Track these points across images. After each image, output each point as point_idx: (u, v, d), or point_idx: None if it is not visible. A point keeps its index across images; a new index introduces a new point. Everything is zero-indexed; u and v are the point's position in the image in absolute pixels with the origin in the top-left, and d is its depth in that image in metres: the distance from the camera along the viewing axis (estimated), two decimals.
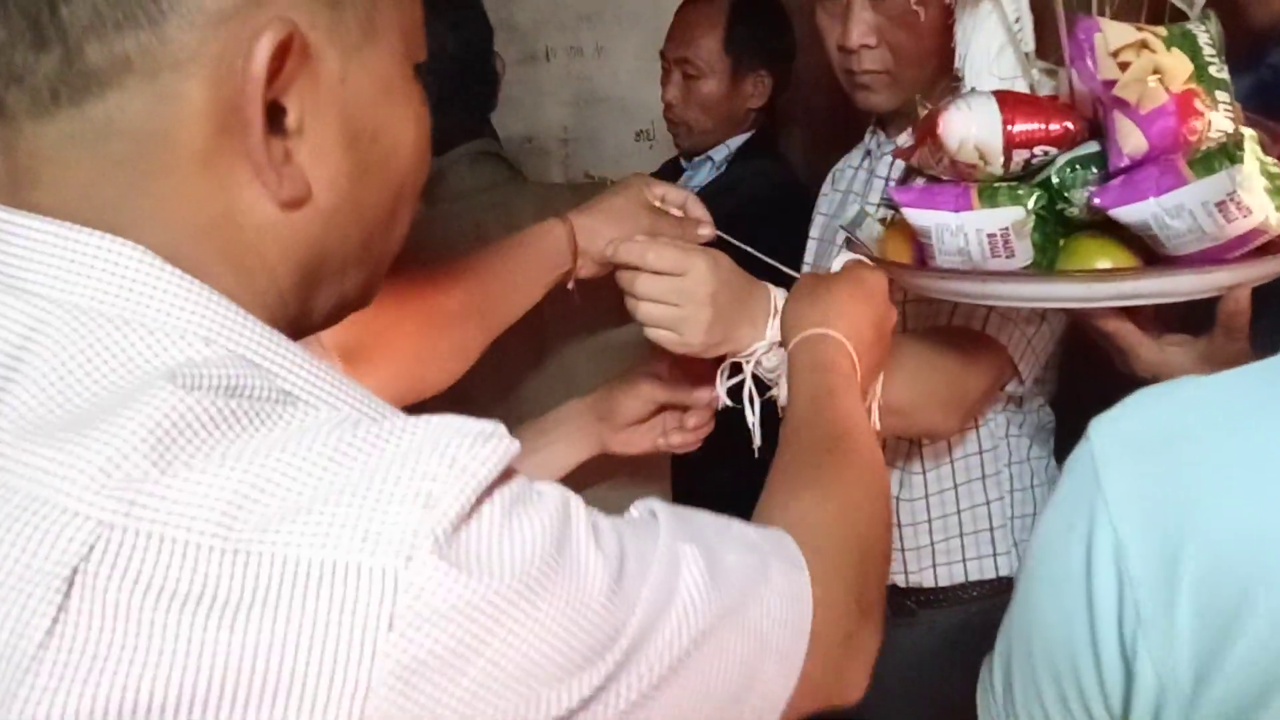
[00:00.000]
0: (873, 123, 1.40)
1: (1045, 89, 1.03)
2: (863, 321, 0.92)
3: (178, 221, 0.49)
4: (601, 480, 1.31)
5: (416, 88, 0.58)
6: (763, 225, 1.68)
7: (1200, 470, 0.56)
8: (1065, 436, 1.41)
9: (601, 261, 1.06)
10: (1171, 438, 0.58)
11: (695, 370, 1.11)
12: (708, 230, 1.11)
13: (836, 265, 0.99)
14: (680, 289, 0.97)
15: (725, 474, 1.85)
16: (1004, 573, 1.33)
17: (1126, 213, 0.86)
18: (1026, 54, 1.04)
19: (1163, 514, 0.55)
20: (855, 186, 1.41)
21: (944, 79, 1.16)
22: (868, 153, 1.42)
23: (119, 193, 0.48)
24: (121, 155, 0.48)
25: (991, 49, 1.04)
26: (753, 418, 1.03)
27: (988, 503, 1.32)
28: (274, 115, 0.50)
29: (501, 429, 0.47)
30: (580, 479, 1.12)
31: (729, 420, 1.09)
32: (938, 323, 1.21)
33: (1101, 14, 0.96)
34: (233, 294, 0.50)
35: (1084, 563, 0.59)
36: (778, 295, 1.01)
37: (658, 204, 1.12)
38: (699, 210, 1.13)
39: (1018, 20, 1.04)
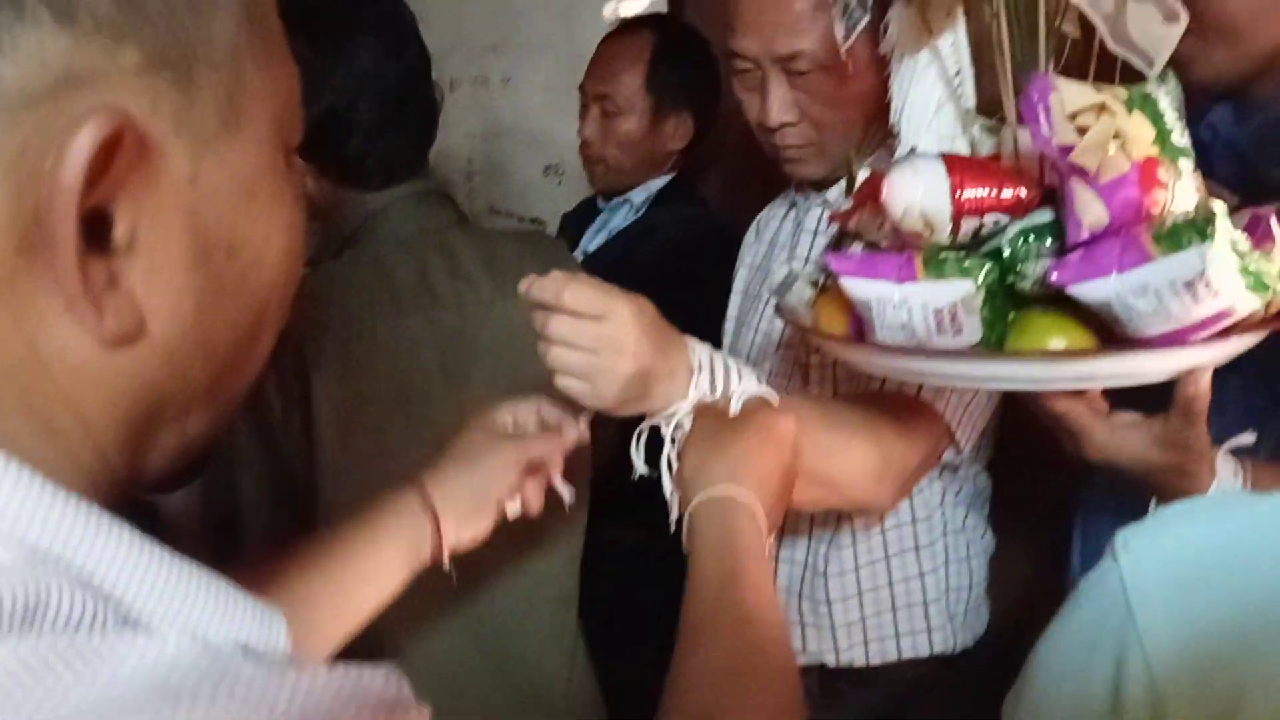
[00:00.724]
0: (795, 182, 1.34)
1: (986, 148, 0.96)
2: (771, 478, 0.85)
3: None
4: (512, 551, 1.22)
5: (290, 180, 0.46)
6: (685, 275, 1.61)
7: (1261, 610, 0.48)
8: (1001, 502, 1.36)
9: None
10: (1223, 567, 0.50)
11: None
12: (572, 432, 1.00)
13: (737, 404, 0.90)
14: (598, 335, 0.87)
15: (635, 539, 1.79)
16: (938, 650, 1.27)
17: (1086, 290, 0.79)
18: (967, 110, 0.97)
19: (1214, 663, 0.47)
20: (781, 238, 1.35)
21: (878, 135, 1.09)
22: (793, 204, 1.35)
23: None
24: None
25: (930, 104, 0.97)
26: (670, 486, 0.93)
27: (921, 575, 1.26)
28: (96, 228, 0.38)
29: (408, 699, 0.36)
30: (485, 553, 1.01)
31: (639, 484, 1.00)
32: (870, 386, 1.14)
33: (1048, 69, 0.90)
34: (38, 459, 0.37)
35: (1109, 693, 0.51)
36: (701, 351, 0.92)
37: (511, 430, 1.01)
38: (554, 414, 1.01)
39: (958, 74, 0.97)
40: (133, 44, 0.38)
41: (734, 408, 0.90)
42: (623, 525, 1.83)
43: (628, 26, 1.95)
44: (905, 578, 1.26)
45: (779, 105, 1.20)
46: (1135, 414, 0.92)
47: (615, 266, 1.69)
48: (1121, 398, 0.93)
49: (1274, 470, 0.93)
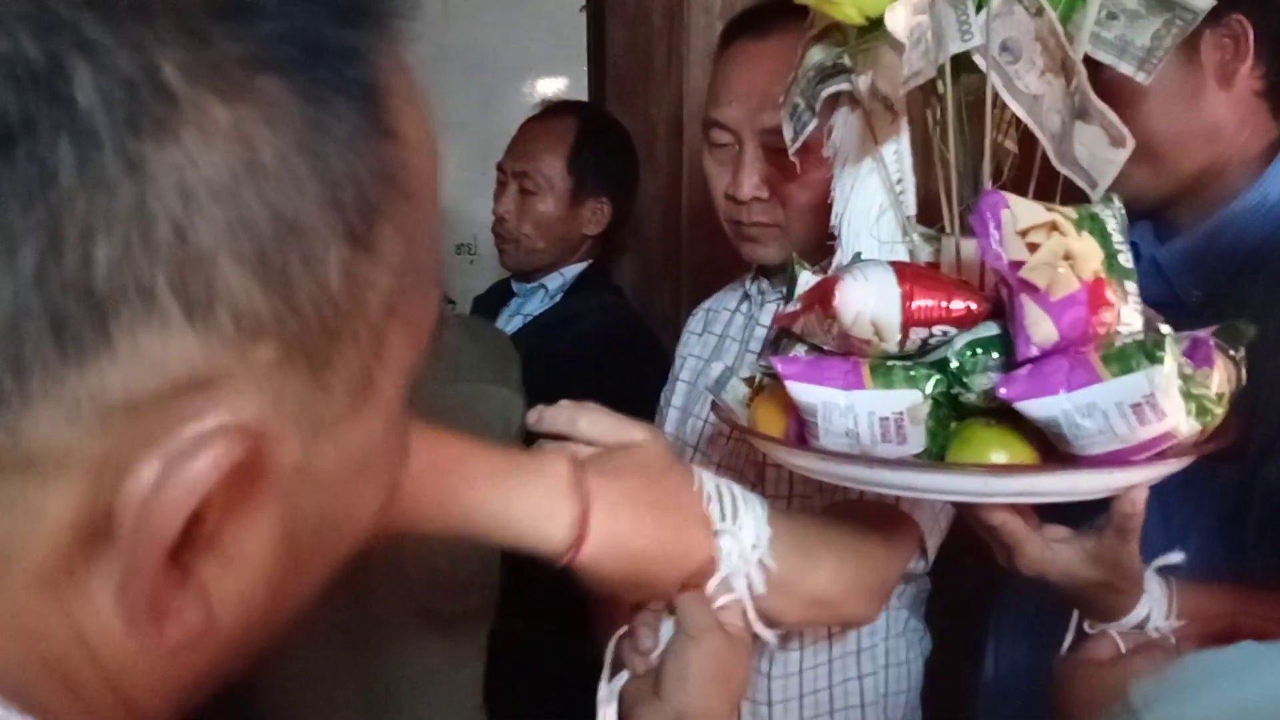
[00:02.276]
0: (754, 269, 1.33)
1: (924, 255, 0.97)
2: (721, 710, 0.81)
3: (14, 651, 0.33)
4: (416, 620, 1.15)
5: (406, 422, 0.40)
6: (605, 364, 1.59)
7: None
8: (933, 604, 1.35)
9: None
10: None
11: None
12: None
13: (683, 625, 0.84)
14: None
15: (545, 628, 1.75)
16: None
17: (1034, 407, 0.78)
18: (908, 217, 0.97)
19: None
20: (733, 331, 1.34)
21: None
22: (746, 296, 1.35)
23: None
24: None
25: (872, 210, 0.97)
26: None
27: (860, 678, 1.24)
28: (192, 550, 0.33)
29: None
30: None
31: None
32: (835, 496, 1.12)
33: (992, 183, 0.91)
34: None
35: None
36: (708, 480, 0.87)
37: None
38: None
39: (899, 181, 0.98)
40: (272, 340, 0.32)
41: (664, 632, 0.86)
42: (532, 613, 1.79)
43: (553, 109, 1.97)
44: (845, 680, 1.24)
45: (754, 179, 1.19)
46: (1065, 529, 0.92)
47: (532, 354, 1.66)
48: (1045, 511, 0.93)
49: (1196, 590, 0.93)
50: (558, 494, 0.77)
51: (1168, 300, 1.10)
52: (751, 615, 0.87)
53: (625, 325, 1.80)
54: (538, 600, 1.74)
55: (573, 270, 1.90)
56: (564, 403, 0.85)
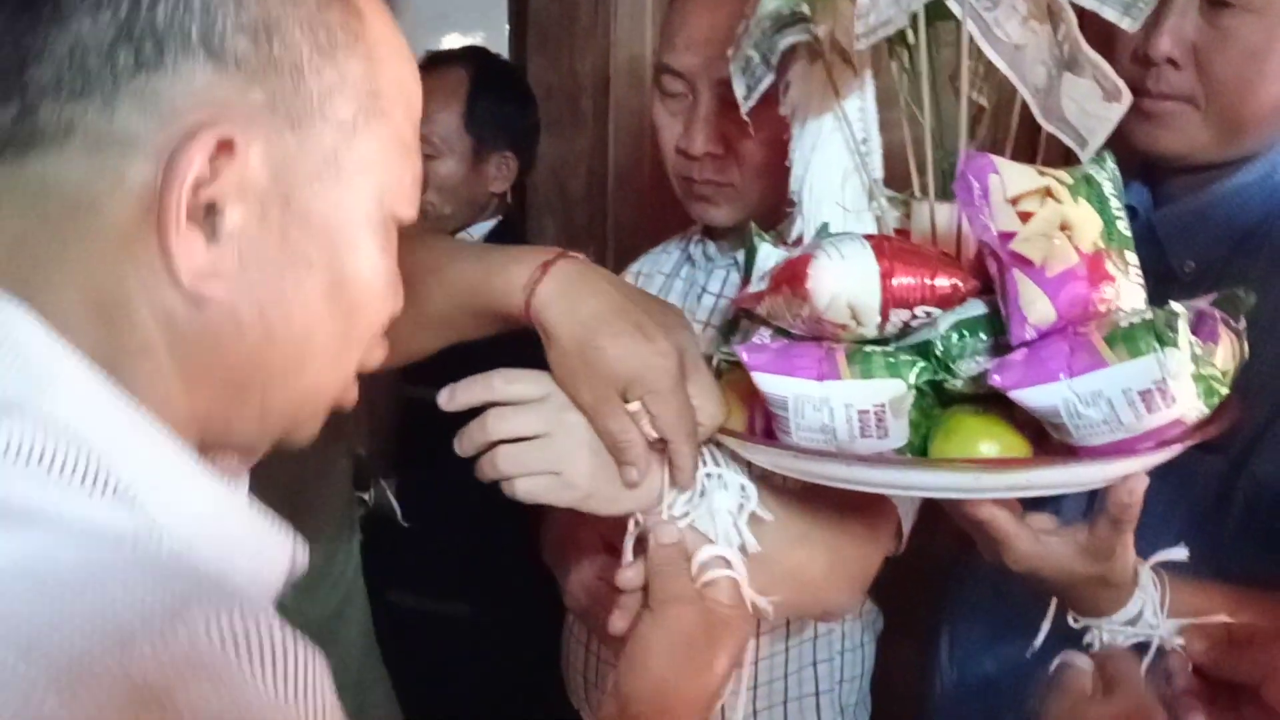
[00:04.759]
0: (699, 229, 1.23)
1: (892, 222, 0.88)
2: (687, 694, 0.76)
3: (83, 290, 0.50)
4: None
5: (388, 240, 0.59)
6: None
7: None
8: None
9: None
10: None
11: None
12: None
13: (697, 567, 0.80)
14: (547, 417, 0.79)
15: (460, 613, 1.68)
16: None
17: (1032, 396, 0.71)
18: (874, 181, 0.88)
19: None
20: (673, 298, 1.24)
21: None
22: (689, 259, 1.25)
23: (40, 252, 0.50)
24: (49, 215, 0.50)
25: (835, 174, 0.88)
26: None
27: (815, 664, 1.20)
28: (209, 215, 0.51)
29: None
30: None
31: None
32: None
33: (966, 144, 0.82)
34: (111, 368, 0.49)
35: None
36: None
37: None
38: None
39: (865, 141, 0.88)
40: (259, 89, 0.51)
41: (695, 567, 0.80)
42: (448, 598, 1.72)
43: (438, 62, 1.82)
44: (800, 668, 1.19)
45: (706, 133, 1.09)
46: (1051, 519, 0.85)
47: None
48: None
49: (1193, 588, 0.87)
50: (527, 255, 0.82)
51: (1159, 270, 1.04)
52: (742, 578, 0.82)
53: None
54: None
55: (481, 229, 1.79)
56: (472, 377, 0.80)
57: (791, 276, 0.74)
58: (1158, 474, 1.00)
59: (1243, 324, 0.79)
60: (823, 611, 1.07)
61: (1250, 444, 0.98)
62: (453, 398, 0.81)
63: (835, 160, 0.89)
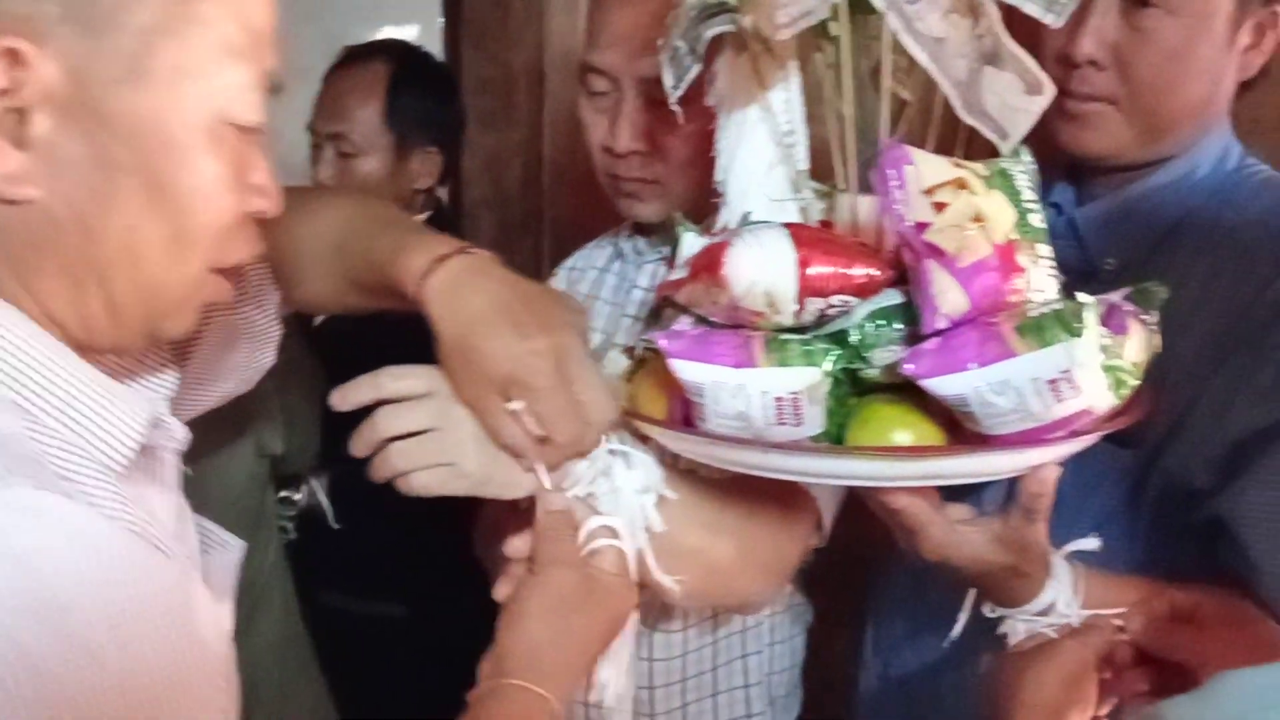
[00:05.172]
0: (629, 225, 1.23)
1: (816, 213, 0.89)
2: (560, 656, 0.76)
3: None
4: None
5: (217, 145, 0.61)
6: None
7: None
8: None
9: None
10: None
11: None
12: None
13: (585, 537, 0.81)
14: (434, 409, 0.80)
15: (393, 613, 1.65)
16: None
17: (943, 384, 0.71)
18: (799, 172, 0.89)
19: None
20: (604, 293, 1.23)
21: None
22: (619, 254, 1.24)
23: None
24: None
25: (760, 164, 0.88)
26: None
27: (744, 657, 1.19)
28: (18, 123, 0.55)
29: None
30: None
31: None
32: None
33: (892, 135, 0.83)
34: None
35: None
36: None
37: None
38: None
39: (790, 133, 0.89)
40: (54, 3, 0.55)
41: (582, 535, 0.80)
42: (382, 599, 1.69)
43: (357, 55, 1.75)
44: (729, 660, 1.18)
45: (631, 130, 1.09)
46: (967, 509, 0.86)
47: (373, 321, 1.55)
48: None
49: (1105, 579, 0.88)
50: (430, 245, 0.83)
51: (1082, 267, 1.05)
52: (651, 560, 0.83)
53: None
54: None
55: None
56: (359, 378, 0.82)
57: (709, 264, 0.75)
58: (1074, 467, 1.02)
59: (1155, 317, 0.81)
60: (738, 601, 1.07)
61: (1163, 438, 0.99)
62: (344, 398, 0.81)
63: (760, 151, 0.89)
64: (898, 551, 0.94)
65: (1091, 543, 0.87)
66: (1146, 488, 1.01)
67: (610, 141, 1.13)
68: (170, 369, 0.74)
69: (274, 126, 1.98)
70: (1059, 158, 1.12)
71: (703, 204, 0.99)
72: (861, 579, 1.27)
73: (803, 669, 1.28)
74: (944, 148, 0.82)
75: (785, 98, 0.89)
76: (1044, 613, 0.87)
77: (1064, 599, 0.88)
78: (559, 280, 1.34)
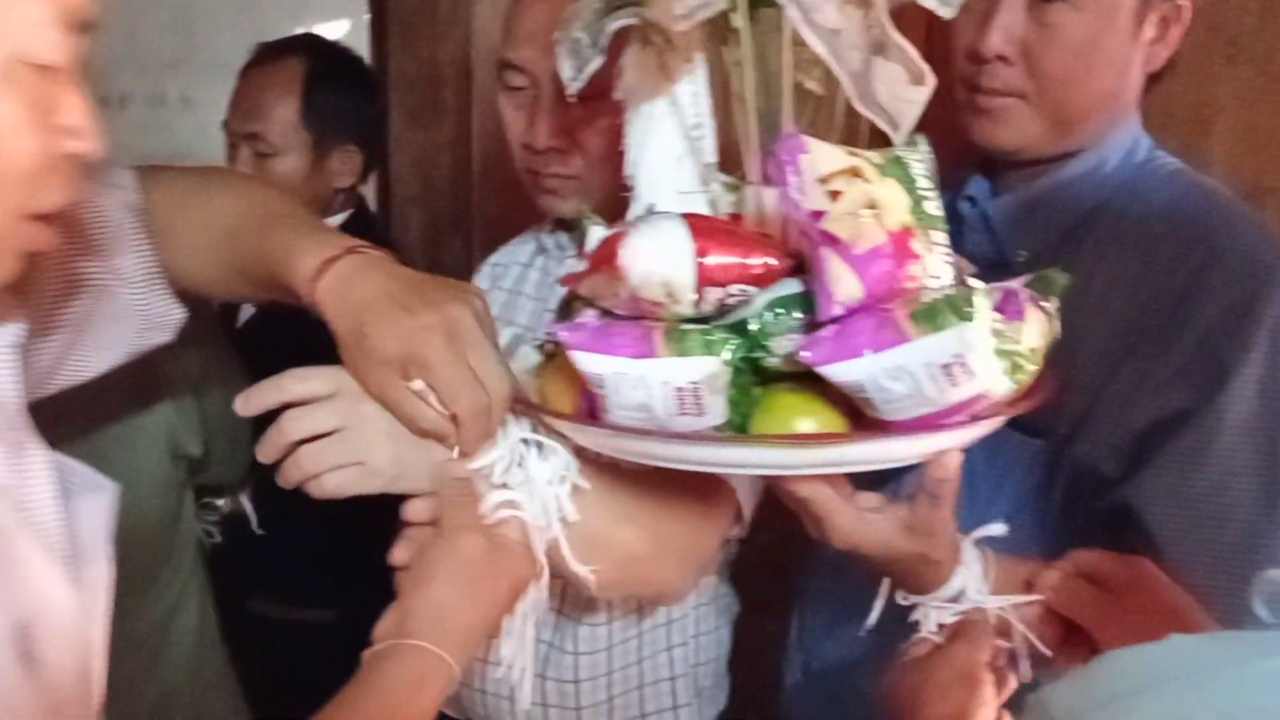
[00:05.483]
0: (551, 220, 1.23)
1: (725, 206, 0.89)
2: (463, 618, 0.76)
3: None
4: None
5: (15, 87, 0.59)
6: None
7: None
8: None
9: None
10: None
11: None
12: None
13: (489, 508, 0.80)
14: (340, 410, 0.80)
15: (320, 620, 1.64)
16: None
17: (839, 371, 0.72)
18: (707, 165, 0.89)
19: None
20: (527, 289, 1.24)
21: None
22: (542, 250, 1.24)
23: None
24: None
25: (668, 157, 0.88)
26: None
27: (670, 649, 1.20)
28: None
29: None
30: None
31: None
32: None
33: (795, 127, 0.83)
34: None
35: None
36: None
37: None
38: None
39: (698, 126, 0.89)
40: None
41: (486, 508, 0.80)
42: (312, 605, 1.68)
43: (271, 52, 1.72)
44: (655, 653, 1.18)
45: (549, 127, 1.09)
46: (879, 497, 0.87)
47: (294, 320, 1.53)
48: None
49: (1016, 565, 0.89)
50: (323, 245, 0.82)
51: (994, 259, 1.07)
52: (566, 549, 0.83)
53: None
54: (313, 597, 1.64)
55: (330, 225, 1.71)
56: (261, 382, 0.81)
57: (606, 255, 0.74)
58: (987, 457, 1.03)
59: (1054, 304, 0.82)
60: (656, 591, 1.07)
61: (1073, 427, 1.01)
62: (248, 403, 0.81)
63: (668, 144, 0.89)
64: (819, 542, 0.94)
65: (998, 528, 0.88)
66: (1057, 476, 1.02)
67: (529, 138, 1.13)
68: (15, 319, 0.73)
69: (202, 127, 1.96)
70: (973, 152, 1.13)
71: (622, 199, 0.99)
72: (785, 568, 1.28)
73: (731, 660, 1.28)
74: (850, 140, 0.83)
75: (692, 91, 0.89)
76: (955, 599, 0.88)
77: (974, 585, 0.88)
78: (483, 276, 1.34)
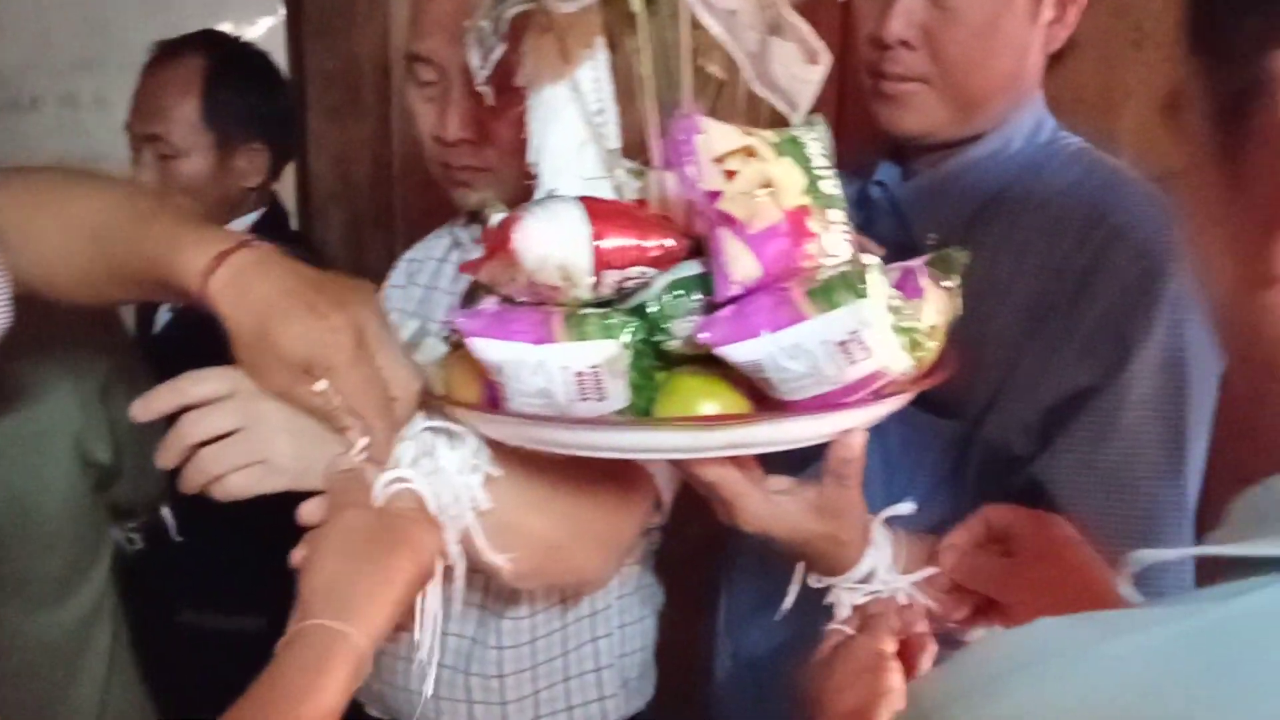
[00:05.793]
0: (465, 214, 1.22)
1: (631, 191, 0.88)
2: (395, 607, 0.74)
3: None
4: None
5: None
6: None
7: None
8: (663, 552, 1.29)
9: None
10: None
11: None
12: None
13: (379, 489, 0.79)
14: (238, 410, 0.79)
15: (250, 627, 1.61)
16: (613, 718, 1.20)
17: (736, 351, 0.71)
18: (611, 150, 0.88)
19: None
20: (442, 283, 1.22)
21: None
22: (457, 244, 1.23)
23: None
24: None
25: (571, 144, 0.88)
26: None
27: (594, 640, 1.19)
28: None
29: None
30: None
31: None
32: None
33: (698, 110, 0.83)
34: None
35: None
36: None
37: None
38: None
39: (600, 111, 0.88)
40: None
41: (377, 491, 0.79)
42: (241, 613, 1.65)
43: (171, 50, 1.68)
44: (580, 645, 1.18)
45: (459, 119, 1.07)
46: (789, 480, 0.87)
47: (211, 324, 1.51)
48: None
49: (927, 543, 0.90)
50: (209, 240, 0.80)
51: (904, 242, 1.07)
52: (480, 539, 0.82)
53: None
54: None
55: (242, 224, 1.69)
56: (160, 385, 0.80)
57: (500, 240, 0.74)
58: (902, 438, 1.04)
59: (956, 282, 0.82)
60: (574, 579, 1.06)
61: (984, 407, 1.02)
62: (145, 408, 0.80)
63: (570, 131, 0.88)
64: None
65: (906, 507, 0.88)
66: (971, 456, 1.03)
67: (440, 130, 1.12)
68: None
69: (117, 128, 1.90)
70: (883, 137, 1.14)
71: (529, 187, 0.99)
72: (711, 556, 1.28)
73: (661, 652, 1.28)
74: (753, 123, 0.83)
75: (594, 77, 0.88)
76: (866, 580, 0.88)
77: (884, 565, 0.89)
78: (399, 272, 1.32)
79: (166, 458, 0.80)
